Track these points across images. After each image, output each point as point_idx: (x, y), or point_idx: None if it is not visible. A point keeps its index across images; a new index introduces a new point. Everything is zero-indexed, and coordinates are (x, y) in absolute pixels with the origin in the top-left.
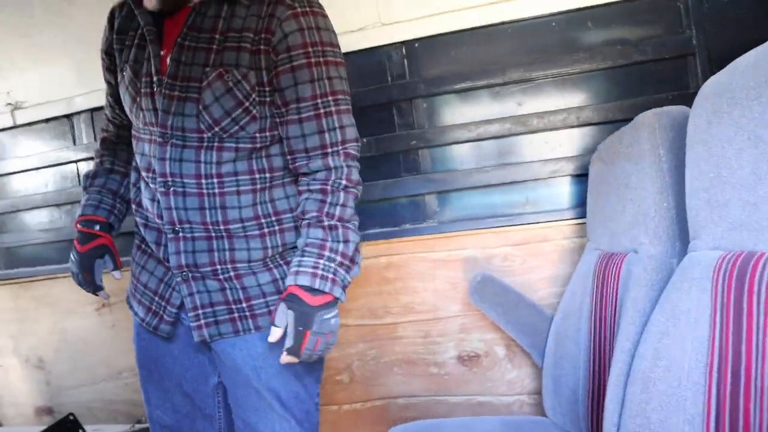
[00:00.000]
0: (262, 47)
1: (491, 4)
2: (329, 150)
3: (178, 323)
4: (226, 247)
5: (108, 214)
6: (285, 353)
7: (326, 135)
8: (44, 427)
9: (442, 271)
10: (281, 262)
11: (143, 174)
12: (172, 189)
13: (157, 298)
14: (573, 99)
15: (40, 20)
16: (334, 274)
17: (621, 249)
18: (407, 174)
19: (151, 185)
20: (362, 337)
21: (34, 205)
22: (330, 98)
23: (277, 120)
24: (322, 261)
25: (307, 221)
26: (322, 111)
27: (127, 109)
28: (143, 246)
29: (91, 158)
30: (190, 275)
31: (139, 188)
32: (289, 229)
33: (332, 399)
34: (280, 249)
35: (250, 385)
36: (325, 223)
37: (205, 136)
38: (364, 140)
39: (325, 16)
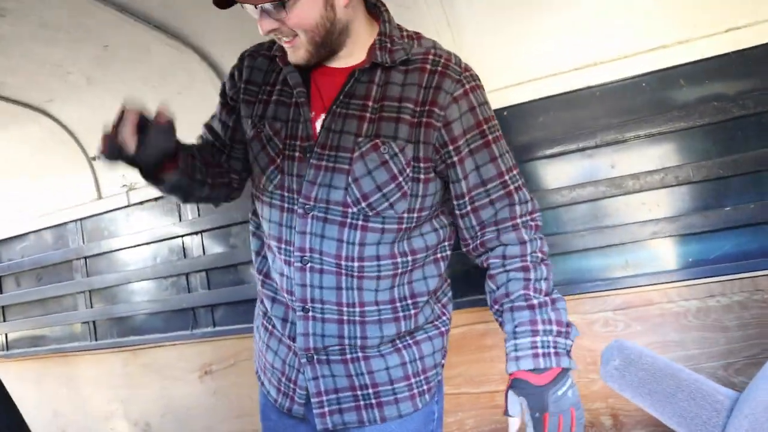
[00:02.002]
0: (424, 119)
1: (575, 70)
2: (519, 221)
3: (309, 404)
4: (358, 333)
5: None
6: None
7: (517, 208)
8: None
9: None
10: (410, 341)
11: (272, 243)
12: (309, 265)
13: (284, 380)
14: (669, 158)
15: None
16: (555, 347)
17: None
18: None
19: (282, 257)
20: (460, 406)
21: (144, 277)
22: (515, 172)
23: (458, 212)
24: (538, 338)
25: (511, 303)
26: (512, 187)
27: (258, 169)
28: (266, 322)
29: (196, 233)
30: (315, 357)
31: (265, 257)
32: (423, 311)
33: None
34: (412, 329)
35: None
36: (534, 301)
37: (350, 211)
38: None
39: (483, 88)
